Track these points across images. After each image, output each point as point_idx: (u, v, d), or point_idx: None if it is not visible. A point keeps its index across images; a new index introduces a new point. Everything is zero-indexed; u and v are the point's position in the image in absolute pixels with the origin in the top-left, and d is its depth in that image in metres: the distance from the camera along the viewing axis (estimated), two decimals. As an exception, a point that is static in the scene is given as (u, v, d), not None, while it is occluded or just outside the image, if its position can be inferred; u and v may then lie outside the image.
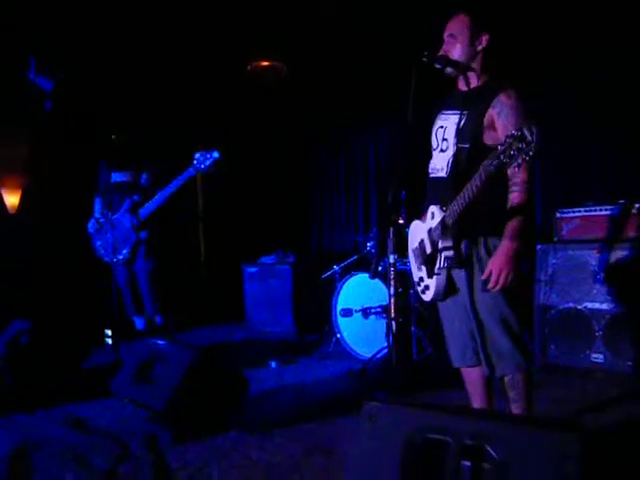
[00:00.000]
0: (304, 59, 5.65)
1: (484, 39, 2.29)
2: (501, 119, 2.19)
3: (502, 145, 1.86)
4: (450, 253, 2.22)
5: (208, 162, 4.05)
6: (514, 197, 2.16)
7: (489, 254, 2.23)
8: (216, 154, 4.05)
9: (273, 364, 4.47)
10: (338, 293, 4.74)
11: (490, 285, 2.16)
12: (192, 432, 2.79)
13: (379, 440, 1.52)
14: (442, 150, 2.35)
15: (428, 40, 2.40)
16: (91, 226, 4.41)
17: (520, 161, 1.82)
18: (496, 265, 2.15)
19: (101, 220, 4.35)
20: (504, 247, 2.16)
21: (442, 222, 2.22)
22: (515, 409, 2.25)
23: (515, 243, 2.15)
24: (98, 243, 4.40)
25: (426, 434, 1.45)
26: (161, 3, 4.76)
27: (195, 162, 4.06)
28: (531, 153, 1.79)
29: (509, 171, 2.12)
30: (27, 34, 4.98)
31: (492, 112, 2.21)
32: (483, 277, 2.19)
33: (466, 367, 2.45)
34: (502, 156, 1.86)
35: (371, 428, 1.54)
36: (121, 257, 4.26)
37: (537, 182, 4.63)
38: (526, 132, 1.79)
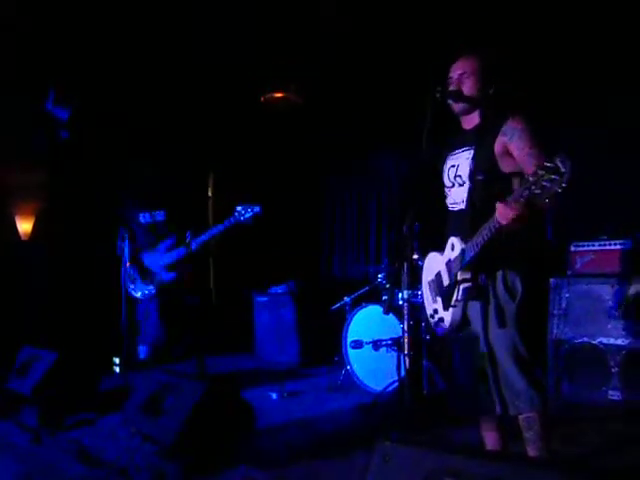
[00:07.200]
0: (318, 91, 5.73)
1: (494, 85, 2.33)
2: (514, 142, 2.19)
3: (533, 176, 1.79)
4: (469, 285, 2.19)
5: (248, 215, 4.14)
6: None
7: (507, 290, 2.18)
8: (257, 209, 4.16)
9: (274, 395, 4.43)
10: (349, 324, 4.70)
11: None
12: (200, 467, 2.75)
13: (393, 481, 1.48)
14: (460, 185, 2.34)
15: (441, 74, 2.43)
16: (124, 260, 4.46)
17: (552, 193, 1.75)
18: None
19: (132, 255, 4.42)
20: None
21: (462, 254, 2.20)
22: (531, 450, 2.18)
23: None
24: (126, 276, 4.44)
25: (442, 477, 1.41)
26: (178, 35, 4.86)
27: (236, 214, 4.16)
28: (564, 185, 1.72)
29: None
30: (45, 65, 5.10)
31: (502, 139, 2.21)
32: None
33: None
34: (533, 187, 1.79)
35: (385, 468, 1.50)
36: (147, 293, 4.33)
37: (549, 215, 4.57)
38: (559, 163, 1.72)
